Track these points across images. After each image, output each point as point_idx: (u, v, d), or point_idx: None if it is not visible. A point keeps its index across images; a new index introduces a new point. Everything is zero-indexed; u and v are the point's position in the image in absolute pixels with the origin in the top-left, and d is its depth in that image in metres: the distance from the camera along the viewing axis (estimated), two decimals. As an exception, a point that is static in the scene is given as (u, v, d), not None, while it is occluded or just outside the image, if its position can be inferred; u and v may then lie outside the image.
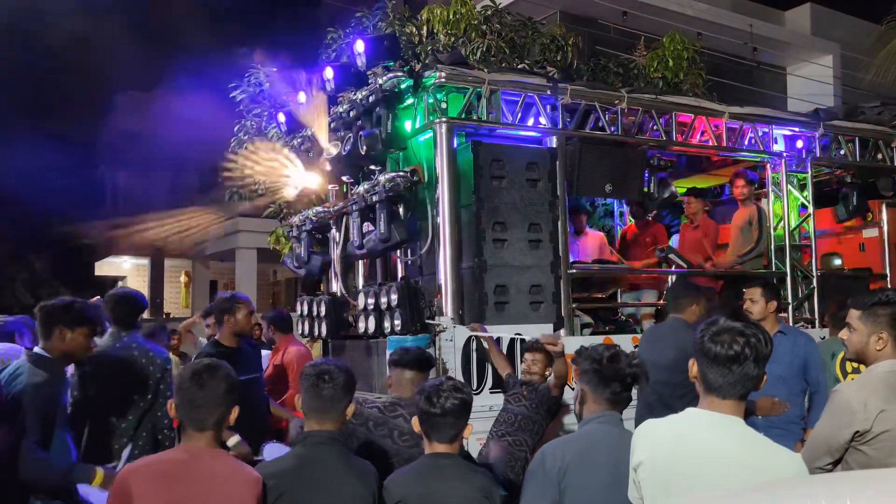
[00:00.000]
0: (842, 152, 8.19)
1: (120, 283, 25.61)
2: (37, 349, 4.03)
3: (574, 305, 6.52)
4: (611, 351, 3.22)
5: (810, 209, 7.81)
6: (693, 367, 2.61)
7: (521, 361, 5.22)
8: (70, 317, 4.02)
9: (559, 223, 6.31)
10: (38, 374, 3.81)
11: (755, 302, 5.58)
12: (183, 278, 25.77)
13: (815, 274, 7.71)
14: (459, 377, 5.42)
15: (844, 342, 3.40)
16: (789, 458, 2.50)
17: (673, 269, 7.57)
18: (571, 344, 4.72)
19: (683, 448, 2.53)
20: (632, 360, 3.22)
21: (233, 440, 4.69)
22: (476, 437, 4.89)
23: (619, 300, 8.07)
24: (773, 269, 7.63)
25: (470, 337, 5.74)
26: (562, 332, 6.15)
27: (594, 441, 3.09)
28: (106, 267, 25.45)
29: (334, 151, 6.59)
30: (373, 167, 6.59)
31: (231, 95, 10.06)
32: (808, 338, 5.68)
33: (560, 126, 6.54)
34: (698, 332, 2.62)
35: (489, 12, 9.30)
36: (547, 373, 5.05)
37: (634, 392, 3.29)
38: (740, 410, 2.54)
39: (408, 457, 3.88)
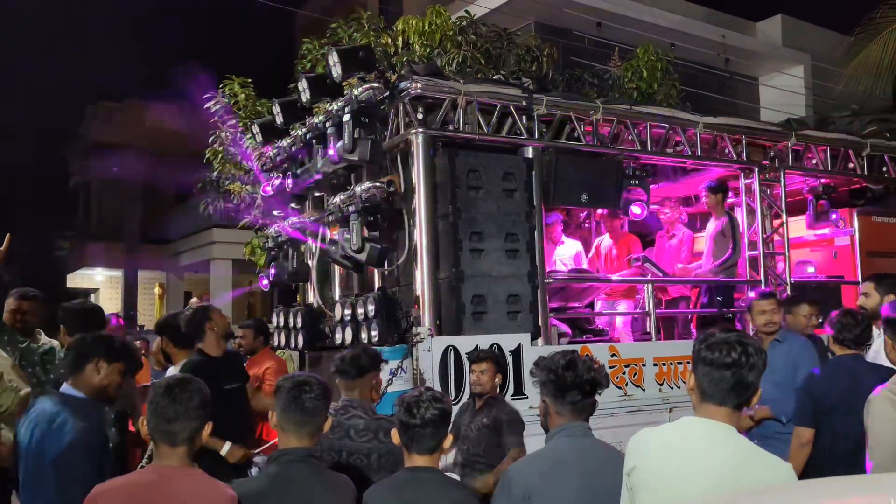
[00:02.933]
0: (813, 162, 8.30)
1: (92, 296, 25.32)
2: (66, 389, 3.71)
3: (551, 315, 6.54)
4: (566, 358, 3.09)
5: (783, 218, 7.90)
6: (690, 379, 2.66)
7: (470, 373, 5.16)
8: (109, 349, 3.78)
9: (536, 233, 6.32)
10: (82, 420, 3.51)
11: (764, 312, 5.58)
12: (157, 290, 25.48)
13: (788, 282, 7.79)
14: (437, 387, 5.39)
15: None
16: (779, 467, 2.54)
17: (649, 278, 7.62)
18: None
19: (676, 455, 2.56)
20: (590, 366, 3.10)
21: (225, 448, 4.63)
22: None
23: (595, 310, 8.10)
24: (748, 278, 7.70)
25: (447, 347, 5.72)
26: (540, 341, 6.16)
27: (560, 458, 3.00)
28: (78, 279, 25.13)
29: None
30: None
31: (206, 107, 9.99)
32: (802, 342, 5.68)
33: (536, 136, 6.56)
34: (696, 342, 2.68)
35: (464, 23, 9.33)
36: (497, 380, 5.04)
37: (597, 397, 3.16)
38: (735, 420, 2.59)
39: (366, 452, 3.88)
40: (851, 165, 8.57)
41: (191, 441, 2.87)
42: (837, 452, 4.32)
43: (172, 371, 5.54)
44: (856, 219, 8.61)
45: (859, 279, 8.34)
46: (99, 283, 25.64)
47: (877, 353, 4.80)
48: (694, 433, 2.59)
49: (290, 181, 7.06)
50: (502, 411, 4.93)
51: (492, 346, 5.78)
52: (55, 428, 3.49)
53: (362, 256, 5.98)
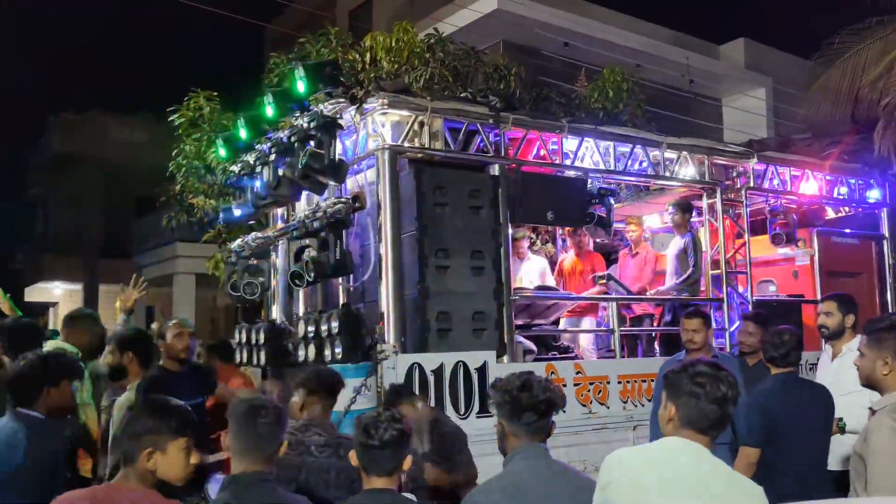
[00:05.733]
0: (775, 182, 8.42)
1: (51, 310, 24.84)
2: (24, 409, 3.71)
3: (516, 332, 6.54)
4: (522, 379, 3.06)
5: (746, 237, 8.00)
6: (670, 409, 2.69)
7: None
8: (51, 373, 3.78)
9: (502, 250, 6.32)
10: (35, 440, 3.55)
11: (697, 331, 5.68)
12: (118, 304, 25.03)
13: (750, 300, 7.88)
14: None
15: (858, 367, 3.44)
16: (751, 489, 2.60)
17: (614, 295, 7.66)
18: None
19: (654, 467, 2.61)
20: (546, 387, 3.06)
21: None
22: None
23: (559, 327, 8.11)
24: (710, 296, 7.77)
25: (412, 364, 5.67)
26: (507, 358, 6.14)
27: (519, 482, 2.95)
28: (36, 293, 24.62)
29: None
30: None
31: (169, 119, 9.87)
32: (732, 362, 5.78)
33: (503, 154, 6.57)
34: (674, 374, 2.74)
35: (432, 41, 9.33)
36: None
37: (561, 415, 3.17)
38: (710, 445, 2.66)
39: (325, 468, 3.82)
40: (811, 186, 8.72)
41: (135, 460, 2.75)
42: (790, 472, 4.32)
43: (129, 391, 5.42)
44: (815, 239, 8.75)
45: (819, 298, 8.47)
46: (58, 296, 25.11)
47: (824, 368, 4.85)
48: (673, 448, 2.66)
49: (253, 195, 6.98)
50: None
51: (456, 363, 5.77)
52: (8, 448, 3.50)
53: (342, 270, 5.93)
